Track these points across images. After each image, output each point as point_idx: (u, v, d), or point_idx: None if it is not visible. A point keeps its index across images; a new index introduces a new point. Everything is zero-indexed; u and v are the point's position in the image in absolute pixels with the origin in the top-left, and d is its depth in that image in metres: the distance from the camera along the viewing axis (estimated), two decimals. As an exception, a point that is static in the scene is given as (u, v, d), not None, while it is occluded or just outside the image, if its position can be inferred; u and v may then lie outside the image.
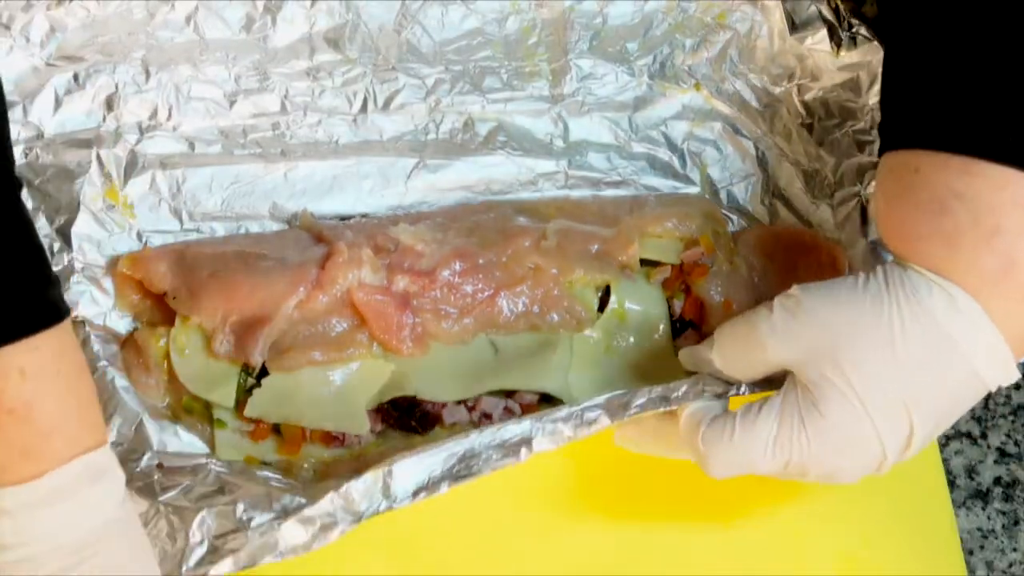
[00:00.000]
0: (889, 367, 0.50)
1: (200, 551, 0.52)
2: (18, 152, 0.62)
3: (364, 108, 0.69)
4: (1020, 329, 0.50)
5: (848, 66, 0.68)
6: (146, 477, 0.56)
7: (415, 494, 0.53)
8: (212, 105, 0.66)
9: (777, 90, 0.71)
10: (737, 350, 0.55)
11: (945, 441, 0.64)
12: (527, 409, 0.62)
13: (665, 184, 0.71)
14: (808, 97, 0.70)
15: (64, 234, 0.62)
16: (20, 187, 0.49)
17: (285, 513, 0.53)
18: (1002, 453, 0.65)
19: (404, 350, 0.62)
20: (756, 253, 0.68)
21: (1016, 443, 0.65)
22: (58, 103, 0.63)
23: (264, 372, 0.61)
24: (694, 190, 0.71)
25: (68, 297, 0.61)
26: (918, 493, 0.63)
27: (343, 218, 0.67)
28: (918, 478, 0.63)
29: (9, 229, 0.47)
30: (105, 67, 0.64)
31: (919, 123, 0.51)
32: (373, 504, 0.53)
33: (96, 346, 0.61)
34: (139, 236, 0.65)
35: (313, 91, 0.68)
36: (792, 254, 0.67)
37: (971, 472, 0.64)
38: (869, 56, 0.67)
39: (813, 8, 0.69)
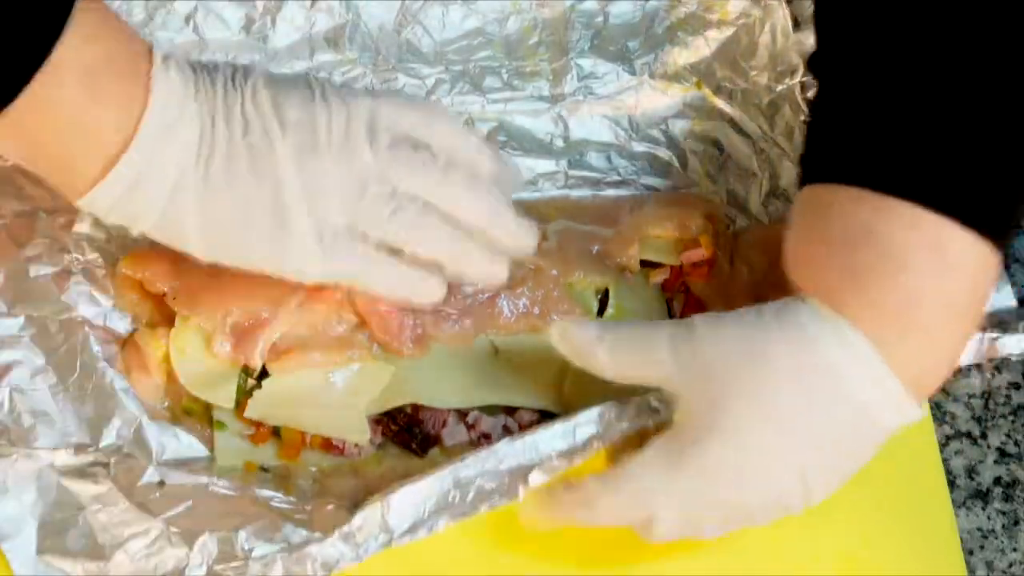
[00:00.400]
0: (782, 408, 0.50)
1: (199, 574, 0.53)
2: (18, 152, 0.62)
3: (363, 108, 0.69)
4: (920, 370, 0.50)
5: (850, 65, 0.68)
6: (148, 493, 0.56)
7: (412, 530, 0.54)
8: (212, 105, 0.66)
9: (779, 88, 0.71)
10: (631, 357, 0.54)
11: (945, 441, 0.64)
12: (525, 429, 0.62)
13: (665, 184, 0.71)
14: (811, 95, 0.70)
15: (64, 234, 0.62)
16: None
17: (288, 547, 0.53)
18: (1002, 453, 0.65)
19: (405, 351, 0.61)
20: (757, 253, 0.68)
21: (1016, 443, 0.65)
22: (59, 103, 0.63)
23: (264, 373, 0.61)
24: (694, 190, 0.71)
25: (68, 297, 0.61)
26: (918, 493, 0.63)
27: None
28: (918, 478, 0.63)
29: None
30: (105, 67, 0.64)
31: (838, 158, 0.51)
32: (375, 541, 0.53)
33: (96, 347, 0.61)
34: (140, 236, 0.65)
35: (313, 91, 0.68)
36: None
37: (971, 472, 0.64)
38: (871, 55, 0.67)
39: (816, 6, 0.69)
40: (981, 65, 0.49)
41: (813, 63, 0.56)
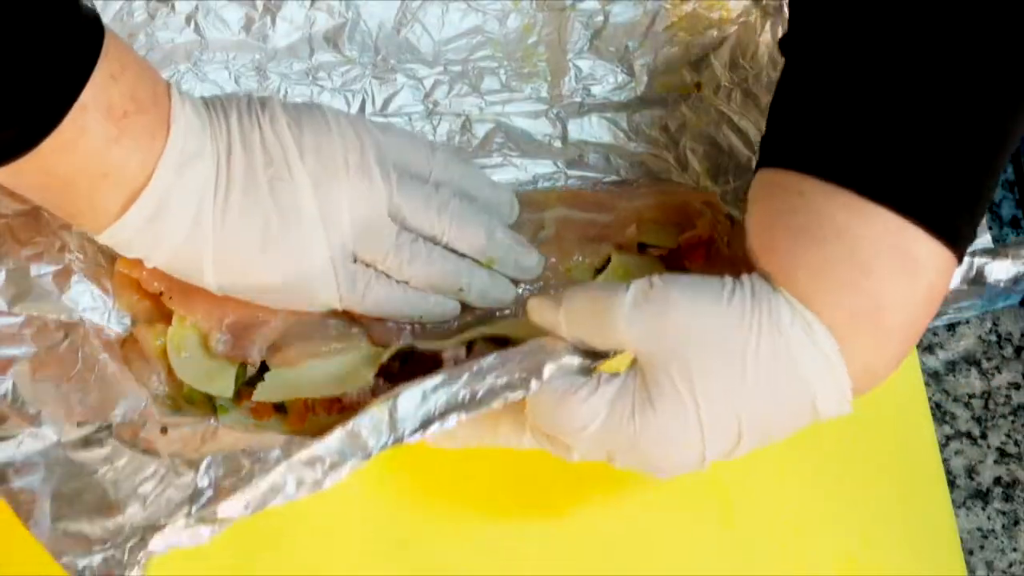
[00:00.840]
0: (734, 384, 0.50)
1: (208, 494, 0.52)
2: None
3: (362, 109, 0.69)
4: (863, 366, 0.51)
5: (849, 65, 0.68)
6: (152, 440, 0.55)
7: (424, 425, 0.53)
8: (212, 105, 0.67)
9: (780, 88, 0.71)
10: (586, 324, 0.53)
11: (945, 441, 0.64)
12: None
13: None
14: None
15: (65, 233, 0.63)
16: None
17: (293, 452, 0.52)
18: (1002, 453, 0.64)
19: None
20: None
21: (1016, 443, 0.65)
22: (59, 104, 0.63)
23: (264, 365, 0.61)
24: (694, 190, 0.71)
25: (68, 297, 0.62)
26: (918, 493, 0.63)
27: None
28: (918, 478, 0.63)
29: None
30: (106, 68, 0.64)
31: (813, 148, 0.51)
32: (380, 439, 0.52)
33: (97, 343, 0.61)
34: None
35: (312, 92, 0.68)
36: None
37: (971, 472, 0.64)
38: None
39: (815, 6, 0.69)
40: (958, 66, 0.49)
41: (785, 45, 0.56)
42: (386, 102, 0.69)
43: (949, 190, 0.49)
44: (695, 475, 0.62)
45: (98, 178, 0.53)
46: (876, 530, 0.62)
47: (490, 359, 0.53)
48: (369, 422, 0.52)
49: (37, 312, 0.60)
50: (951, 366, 0.66)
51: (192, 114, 0.55)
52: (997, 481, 0.64)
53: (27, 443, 0.55)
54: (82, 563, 0.51)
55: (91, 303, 0.62)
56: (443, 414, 0.52)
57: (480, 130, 0.70)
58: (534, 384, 0.53)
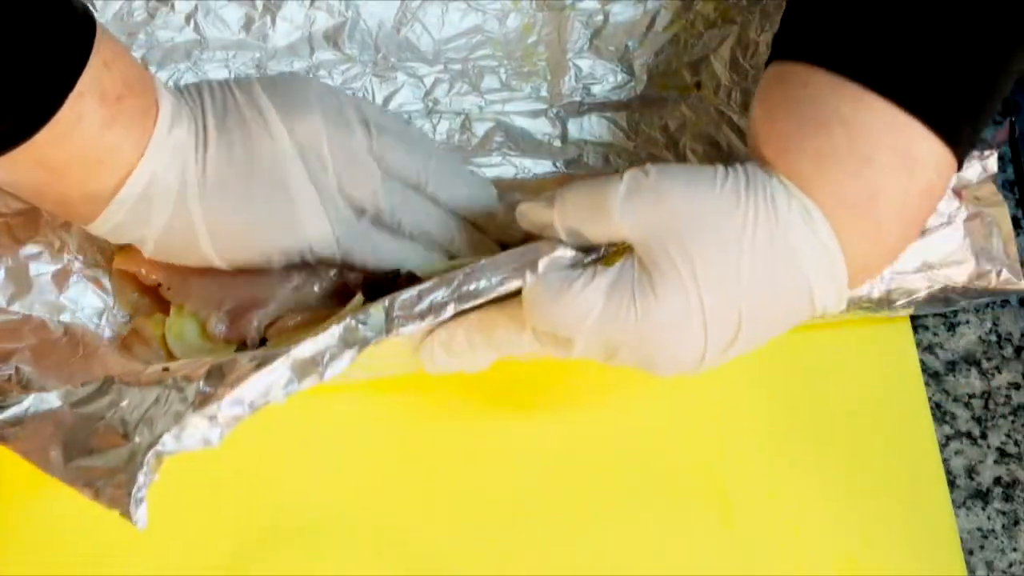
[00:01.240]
0: (732, 268, 0.50)
1: (210, 392, 0.51)
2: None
3: (362, 108, 0.69)
4: (860, 264, 0.51)
5: (849, 64, 0.68)
6: (155, 377, 0.54)
7: (420, 316, 0.53)
8: (212, 104, 0.67)
9: (779, 88, 0.71)
10: (581, 215, 0.53)
11: (945, 441, 0.64)
12: None
13: (665, 184, 0.71)
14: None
15: (64, 234, 0.63)
16: None
17: (293, 349, 0.52)
18: (1002, 453, 0.64)
19: None
20: None
21: (1016, 443, 0.65)
22: (59, 103, 0.63)
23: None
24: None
25: (68, 297, 0.62)
26: (918, 493, 0.63)
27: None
28: (918, 478, 0.63)
29: None
30: (106, 68, 0.64)
31: (820, 40, 0.51)
32: (378, 332, 0.53)
33: (95, 342, 0.61)
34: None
35: (312, 91, 0.68)
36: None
37: (971, 472, 0.64)
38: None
39: (815, 5, 0.69)
40: None
41: None
42: (386, 100, 0.69)
43: (954, 92, 0.50)
44: (695, 475, 0.62)
45: (93, 164, 0.53)
46: (876, 530, 0.62)
47: (483, 262, 0.53)
48: (366, 318, 0.53)
49: (37, 311, 0.61)
50: (951, 366, 0.66)
51: (173, 93, 0.57)
52: (997, 481, 0.64)
53: (34, 405, 0.55)
54: (100, 482, 0.50)
55: (90, 303, 0.63)
56: (440, 307, 0.53)
57: (480, 129, 0.70)
58: (529, 276, 0.53)
